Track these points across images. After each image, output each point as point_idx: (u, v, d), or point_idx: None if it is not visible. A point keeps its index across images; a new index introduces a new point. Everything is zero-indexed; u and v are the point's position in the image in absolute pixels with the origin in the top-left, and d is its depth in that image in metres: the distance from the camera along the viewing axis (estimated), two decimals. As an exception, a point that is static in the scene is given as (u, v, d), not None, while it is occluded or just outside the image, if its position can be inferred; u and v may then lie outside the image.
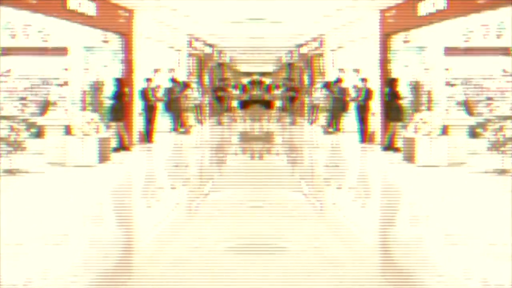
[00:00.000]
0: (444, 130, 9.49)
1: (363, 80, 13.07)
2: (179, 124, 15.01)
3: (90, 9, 10.16)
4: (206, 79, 20.94)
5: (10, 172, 8.13)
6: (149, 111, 12.88)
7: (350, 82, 14.26)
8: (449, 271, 4.09)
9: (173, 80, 15.08)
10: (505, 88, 10.18)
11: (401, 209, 6.43)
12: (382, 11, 12.54)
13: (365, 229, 5.54)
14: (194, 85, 17.67)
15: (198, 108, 18.13)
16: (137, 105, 12.62)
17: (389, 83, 11.44)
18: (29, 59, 10.56)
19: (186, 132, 15.06)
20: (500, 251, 4.51)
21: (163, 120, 14.27)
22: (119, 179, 8.31)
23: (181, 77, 16.35)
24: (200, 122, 17.84)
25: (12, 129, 8.07)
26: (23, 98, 10.06)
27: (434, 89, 11.32)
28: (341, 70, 15.79)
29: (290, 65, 24.27)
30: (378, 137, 12.61)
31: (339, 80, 15.11)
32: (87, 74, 11.50)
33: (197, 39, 18.98)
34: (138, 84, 12.65)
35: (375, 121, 12.79)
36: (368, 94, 12.86)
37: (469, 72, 10.74)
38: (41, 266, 4.13)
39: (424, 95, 11.46)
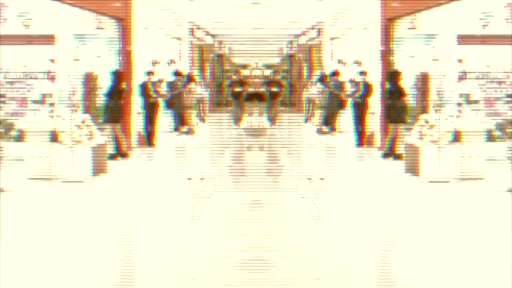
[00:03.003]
0: (456, 137, 7.82)
1: (362, 73, 11.37)
2: (180, 122, 13.46)
3: (82, -12, 8.48)
4: (207, 72, 19.41)
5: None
6: (150, 109, 11.26)
7: (349, 76, 12.60)
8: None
9: (176, 73, 13.45)
10: None
11: (400, 234, 5.37)
12: None
13: (362, 249, 4.81)
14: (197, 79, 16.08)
15: (200, 104, 16.57)
16: (137, 103, 10.98)
17: (391, 77, 9.75)
18: (7, 48, 8.90)
19: (190, 132, 13.48)
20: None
21: (164, 119, 12.67)
22: (117, 196, 6.89)
23: (184, 69, 14.73)
24: (202, 119, 16.30)
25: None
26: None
27: (444, 85, 9.70)
28: (340, 61, 14.13)
29: (290, 57, 22.78)
30: (377, 140, 10.98)
31: (335, 73, 13.55)
32: (77, 66, 9.82)
33: (199, 28, 17.31)
34: (138, 78, 10.99)
35: (374, 122, 11.17)
36: (366, 89, 11.15)
37: (487, 64, 9.22)
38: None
39: (432, 91, 9.86)
